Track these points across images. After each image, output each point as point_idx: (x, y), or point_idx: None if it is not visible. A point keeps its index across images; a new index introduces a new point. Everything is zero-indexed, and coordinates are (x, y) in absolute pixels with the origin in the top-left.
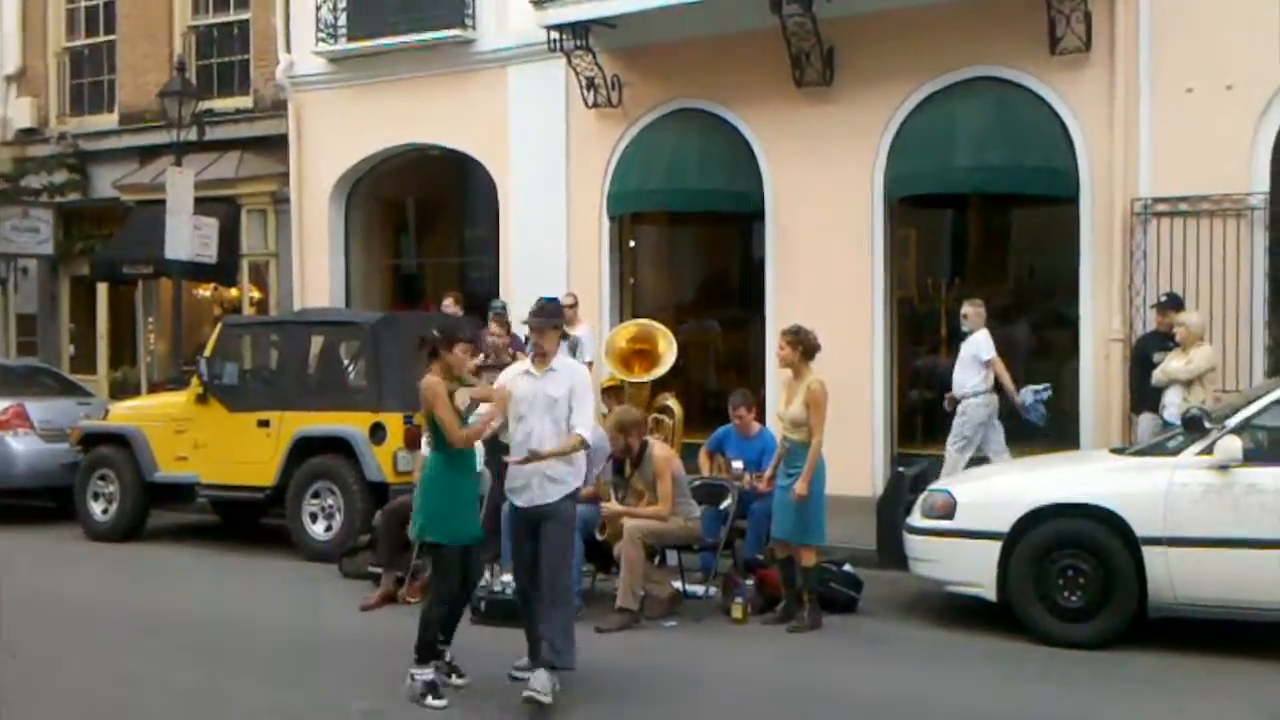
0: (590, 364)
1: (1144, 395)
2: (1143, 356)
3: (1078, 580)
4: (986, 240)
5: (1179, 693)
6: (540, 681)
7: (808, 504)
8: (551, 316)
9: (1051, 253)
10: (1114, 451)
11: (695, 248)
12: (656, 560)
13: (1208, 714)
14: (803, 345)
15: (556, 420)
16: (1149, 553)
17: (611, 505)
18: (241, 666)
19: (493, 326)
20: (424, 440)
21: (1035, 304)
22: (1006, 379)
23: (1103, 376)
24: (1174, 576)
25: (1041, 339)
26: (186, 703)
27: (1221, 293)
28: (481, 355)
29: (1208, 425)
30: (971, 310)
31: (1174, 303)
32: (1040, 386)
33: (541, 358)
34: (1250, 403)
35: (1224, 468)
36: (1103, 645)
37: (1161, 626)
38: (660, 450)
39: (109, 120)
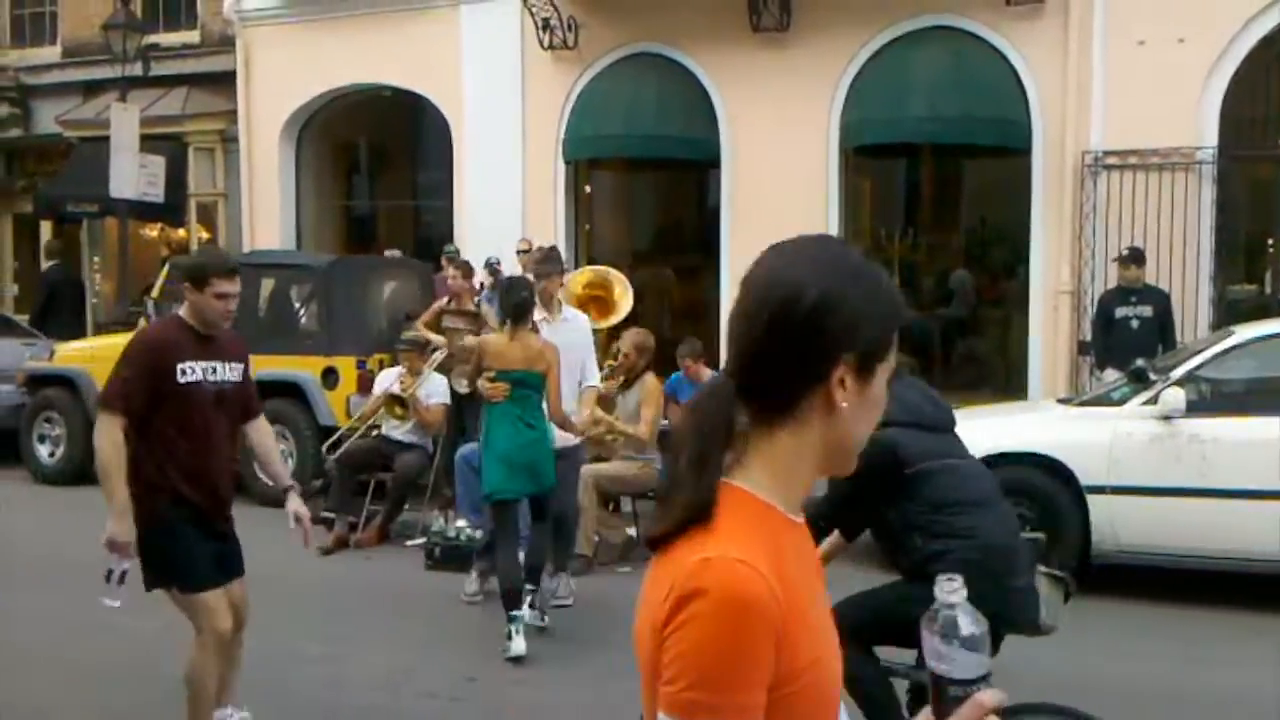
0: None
1: (1108, 351)
2: (1105, 313)
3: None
4: (939, 190)
5: (1119, 638)
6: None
7: None
8: (555, 263)
9: (1003, 204)
10: (1061, 402)
11: (651, 194)
12: (610, 506)
13: (1145, 658)
14: None
15: (570, 369)
16: (1093, 501)
17: (593, 414)
18: None
19: (450, 270)
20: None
21: (986, 255)
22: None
23: (1051, 327)
24: (1117, 524)
25: (991, 289)
26: (142, 649)
27: (1169, 246)
28: (445, 299)
29: (1152, 377)
30: None
31: (1135, 256)
32: None
33: (549, 306)
34: (1194, 355)
35: (1167, 418)
36: None
37: (1104, 573)
38: (654, 381)
39: (51, 53)
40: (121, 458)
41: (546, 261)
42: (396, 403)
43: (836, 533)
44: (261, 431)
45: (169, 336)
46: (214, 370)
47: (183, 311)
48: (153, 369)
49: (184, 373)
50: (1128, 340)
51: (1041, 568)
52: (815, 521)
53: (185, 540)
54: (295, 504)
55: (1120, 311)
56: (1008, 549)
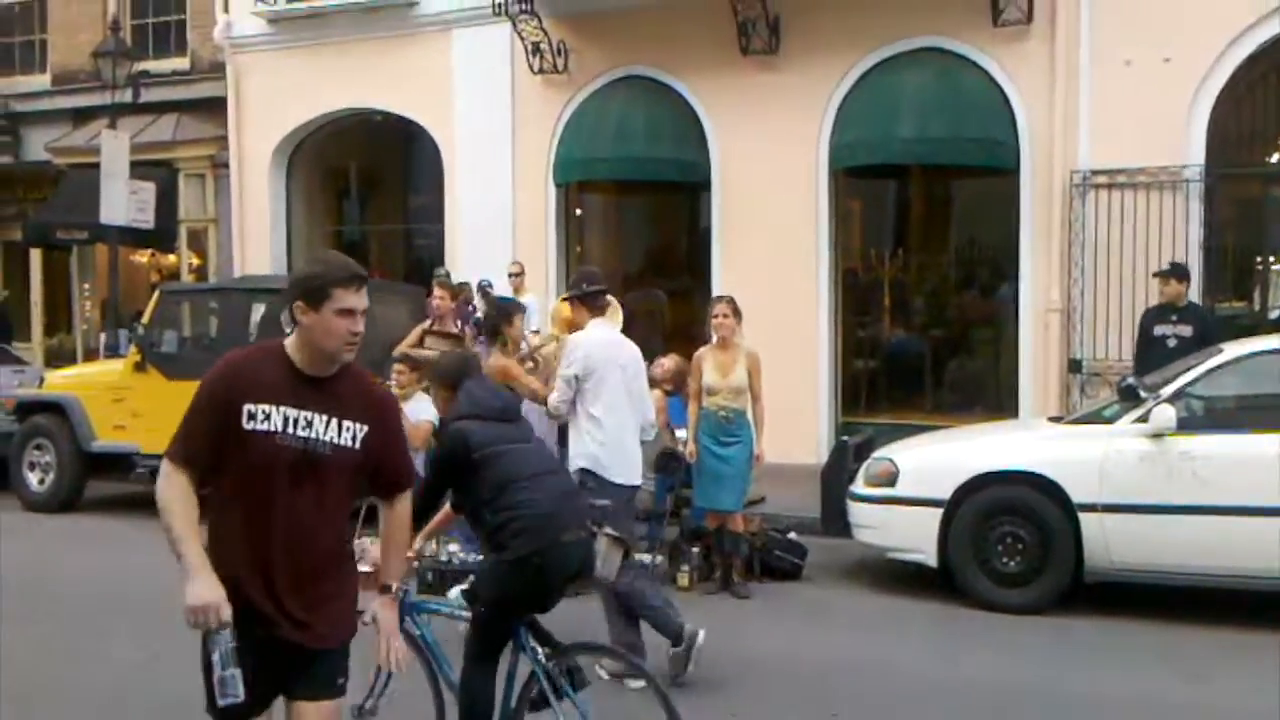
0: (536, 333)
1: (1143, 370)
2: (1145, 330)
3: (1016, 546)
4: (928, 211)
5: (1112, 656)
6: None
7: (743, 471)
8: (575, 285)
9: (992, 223)
10: (1052, 420)
11: (642, 216)
12: None
13: (1138, 674)
14: (739, 314)
15: (633, 397)
16: (1085, 519)
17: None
18: (182, 640)
19: (437, 291)
20: None
21: (976, 274)
22: None
23: (1041, 346)
24: (1109, 542)
25: (981, 309)
26: (128, 676)
27: (1158, 264)
28: (428, 320)
29: (1143, 394)
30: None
31: (1176, 271)
32: None
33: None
34: (1184, 372)
35: (1158, 436)
36: (1040, 610)
37: (1097, 591)
38: (660, 395)
39: (41, 81)
40: (186, 505)
41: (587, 282)
42: None
43: (447, 506)
44: (396, 513)
45: (248, 365)
46: (306, 423)
47: (288, 341)
48: (215, 405)
49: (251, 415)
50: (1164, 359)
51: (607, 530)
52: (419, 512)
53: (214, 647)
54: (383, 611)
55: (1159, 330)
56: (558, 513)
